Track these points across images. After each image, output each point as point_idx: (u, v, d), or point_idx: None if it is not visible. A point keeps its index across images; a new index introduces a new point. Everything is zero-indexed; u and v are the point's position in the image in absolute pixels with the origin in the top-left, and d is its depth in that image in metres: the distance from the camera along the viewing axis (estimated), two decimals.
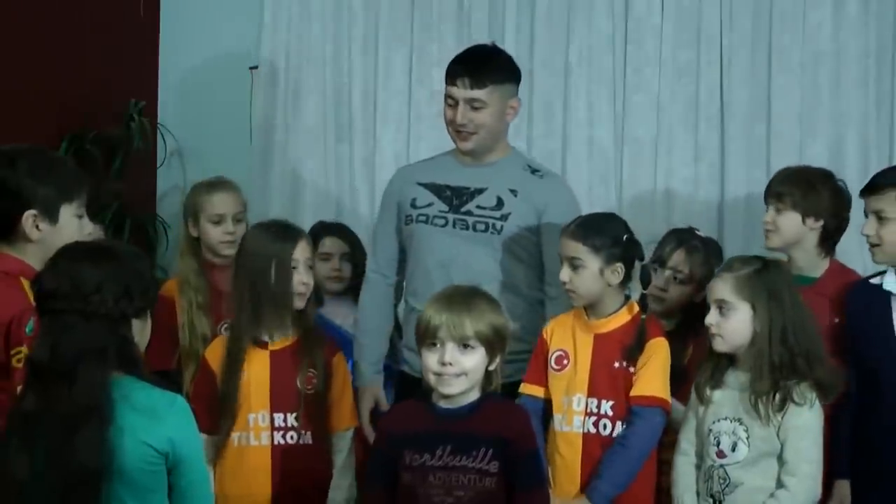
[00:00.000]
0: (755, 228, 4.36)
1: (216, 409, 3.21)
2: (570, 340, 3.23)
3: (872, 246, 3.33)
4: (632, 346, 3.15)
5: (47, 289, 2.46)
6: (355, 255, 4.02)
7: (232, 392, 3.20)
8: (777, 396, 3.02)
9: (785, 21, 4.42)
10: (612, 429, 3.15)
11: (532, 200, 3.46)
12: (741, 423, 3.07)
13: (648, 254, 3.42)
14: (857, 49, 4.39)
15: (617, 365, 3.17)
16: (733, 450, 3.05)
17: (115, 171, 4.73)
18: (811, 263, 3.50)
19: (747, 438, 3.05)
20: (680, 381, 3.24)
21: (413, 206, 3.52)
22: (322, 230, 4.15)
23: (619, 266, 3.17)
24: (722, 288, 3.10)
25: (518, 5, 4.61)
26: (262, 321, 3.23)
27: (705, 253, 3.63)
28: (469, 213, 3.46)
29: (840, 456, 3.26)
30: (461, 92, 3.42)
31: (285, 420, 3.20)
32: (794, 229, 3.46)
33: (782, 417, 3.02)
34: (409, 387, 3.37)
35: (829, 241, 3.51)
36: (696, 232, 3.74)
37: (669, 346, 3.24)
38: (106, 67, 4.76)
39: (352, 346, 3.63)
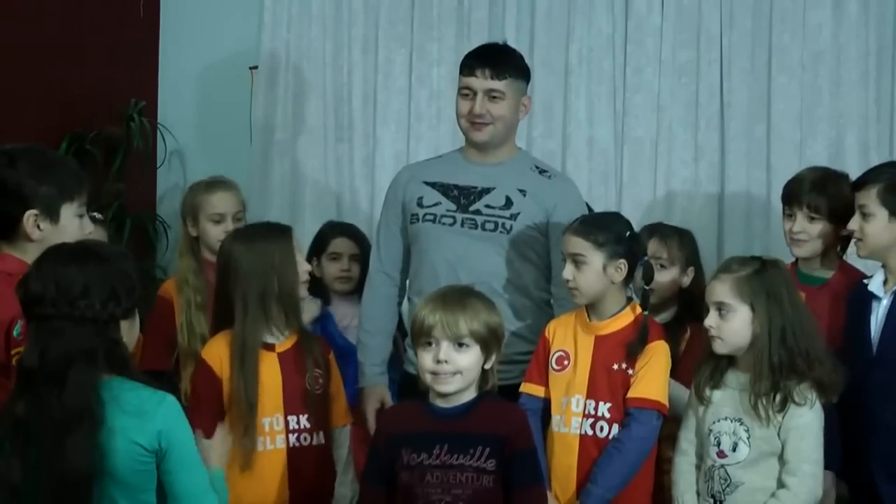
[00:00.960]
0: (755, 228, 4.39)
1: (218, 413, 3.17)
2: (571, 341, 3.22)
3: (857, 241, 3.34)
4: (633, 343, 3.14)
5: (33, 293, 2.45)
6: (364, 255, 4.01)
7: (252, 401, 3.12)
8: (777, 397, 3.01)
9: (785, 21, 4.42)
10: (609, 431, 3.14)
11: (541, 201, 3.45)
12: (741, 423, 3.06)
13: None
14: (857, 49, 4.39)
15: (616, 367, 3.16)
16: (734, 450, 3.04)
17: (115, 171, 4.74)
18: (828, 266, 3.51)
19: (748, 438, 3.04)
20: (674, 364, 3.24)
21: (419, 205, 3.50)
22: (331, 230, 4.15)
23: (622, 263, 3.17)
24: (721, 290, 3.09)
25: (518, 5, 4.62)
26: (270, 323, 3.22)
27: (679, 237, 3.69)
28: (478, 212, 3.45)
29: (826, 447, 3.23)
30: (480, 82, 3.42)
31: (299, 422, 3.18)
32: (827, 238, 3.46)
33: (783, 418, 3.01)
34: (413, 386, 3.37)
35: (847, 244, 3.52)
36: (665, 223, 3.83)
37: (667, 335, 3.25)
38: (106, 67, 4.77)
39: (354, 355, 3.63)
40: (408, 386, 3.49)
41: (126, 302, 2.51)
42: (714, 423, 3.09)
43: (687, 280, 3.66)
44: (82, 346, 2.42)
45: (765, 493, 3.03)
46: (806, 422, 3.02)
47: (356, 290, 3.96)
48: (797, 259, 3.53)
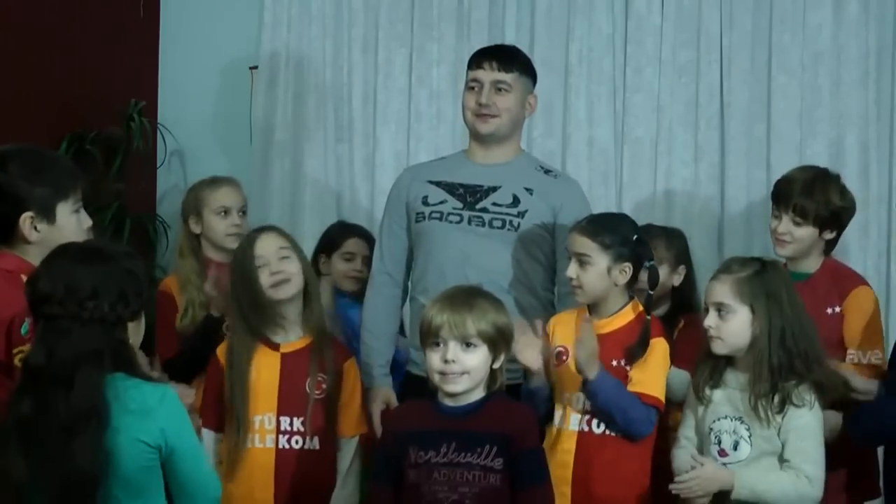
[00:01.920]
0: (755, 228, 4.39)
1: (221, 407, 3.22)
2: (571, 338, 3.21)
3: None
4: (634, 346, 3.14)
5: (42, 293, 2.46)
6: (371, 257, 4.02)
7: (237, 395, 3.19)
8: (776, 398, 3.02)
9: (785, 21, 4.43)
10: (606, 426, 3.14)
11: (548, 199, 3.45)
12: (742, 422, 3.06)
13: None
14: (857, 49, 4.39)
15: (615, 363, 3.16)
16: (735, 448, 3.04)
17: (115, 171, 4.72)
18: (813, 262, 3.54)
19: (749, 437, 3.04)
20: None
21: (425, 203, 3.50)
22: (345, 230, 4.14)
23: (627, 266, 3.17)
24: (720, 290, 3.09)
25: (518, 5, 4.62)
26: (252, 323, 3.23)
27: (665, 237, 3.72)
28: (485, 209, 3.45)
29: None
30: (488, 74, 3.44)
31: (291, 424, 3.18)
32: (811, 240, 3.50)
33: (782, 419, 3.01)
34: (416, 386, 3.37)
35: (834, 242, 3.56)
36: (653, 224, 3.85)
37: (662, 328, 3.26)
38: (106, 67, 4.76)
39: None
40: (410, 386, 3.49)
41: (134, 304, 2.51)
42: (714, 421, 3.10)
43: (678, 279, 3.68)
44: (90, 347, 2.43)
45: None
46: (805, 423, 3.02)
47: (362, 291, 3.97)
48: (791, 260, 3.54)
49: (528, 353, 3.09)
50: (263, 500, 3.17)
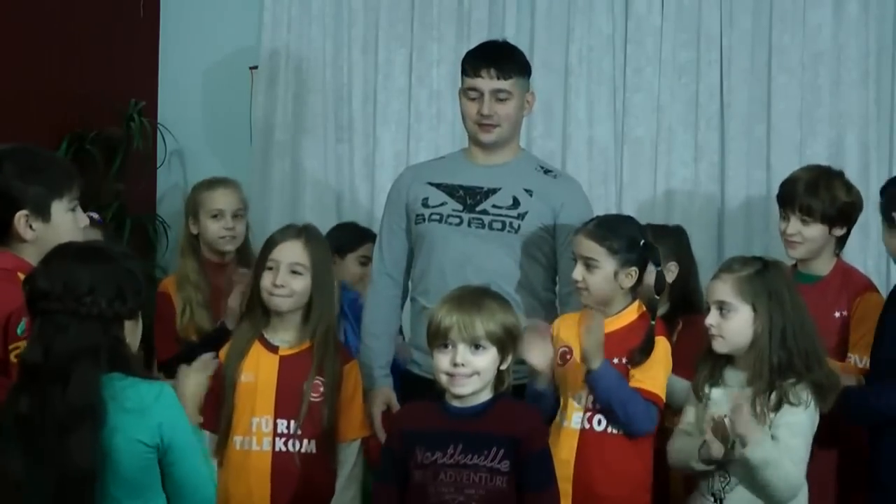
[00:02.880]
0: (755, 228, 4.39)
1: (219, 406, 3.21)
2: (574, 339, 3.21)
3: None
4: (638, 350, 3.13)
5: (40, 289, 2.46)
6: None
7: (226, 394, 3.19)
8: (773, 396, 3.02)
9: (785, 21, 4.43)
10: (607, 424, 3.14)
11: (548, 200, 3.44)
12: None
13: None
14: (857, 49, 4.40)
15: (616, 361, 3.15)
16: (733, 447, 3.00)
17: (114, 171, 4.73)
18: (824, 264, 3.53)
19: None
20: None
21: (424, 205, 3.49)
22: (362, 234, 4.14)
23: (634, 270, 3.17)
24: (722, 289, 3.09)
25: (518, 5, 4.62)
26: (252, 321, 3.23)
27: (653, 233, 3.52)
28: (485, 211, 3.44)
29: None
30: (487, 83, 3.41)
31: (288, 427, 3.17)
32: (822, 239, 3.50)
33: (776, 416, 3.01)
34: (417, 386, 3.37)
35: (842, 240, 3.56)
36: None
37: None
38: (106, 67, 4.77)
39: None
40: (411, 386, 3.49)
41: (132, 302, 2.51)
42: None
43: (669, 276, 3.56)
44: (87, 344, 2.43)
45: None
46: (798, 420, 3.02)
47: None
48: (803, 262, 3.54)
49: (537, 354, 3.09)
50: (260, 502, 3.16)
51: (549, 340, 3.12)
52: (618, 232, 3.17)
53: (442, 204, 3.48)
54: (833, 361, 3.25)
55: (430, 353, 2.88)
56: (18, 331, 2.69)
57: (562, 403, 3.20)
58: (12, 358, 2.67)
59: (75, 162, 4.37)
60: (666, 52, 4.51)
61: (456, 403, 2.85)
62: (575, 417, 3.16)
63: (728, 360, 3.13)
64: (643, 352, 3.12)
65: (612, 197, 4.53)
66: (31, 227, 2.83)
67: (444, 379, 2.82)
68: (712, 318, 3.09)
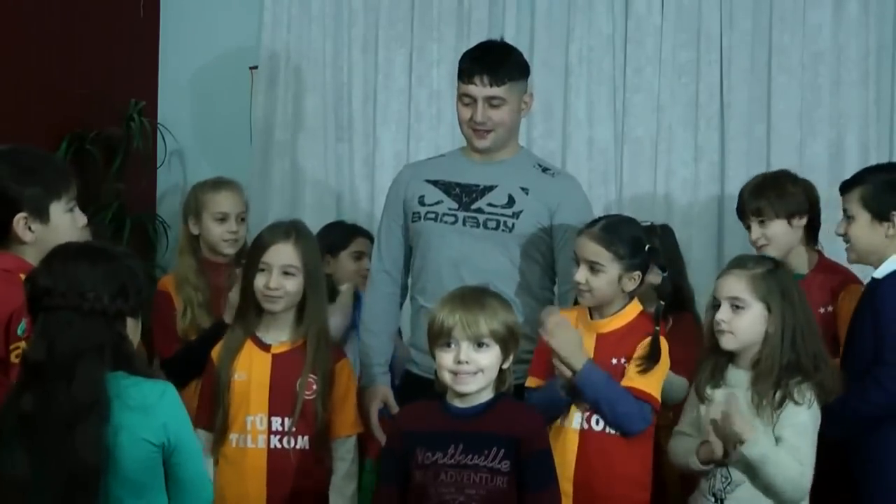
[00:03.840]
0: None
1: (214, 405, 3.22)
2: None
3: (846, 246, 3.43)
4: (645, 357, 3.11)
5: (42, 287, 2.46)
6: None
7: (221, 392, 3.20)
8: (777, 395, 3.03)
9: (785, 21, 4.43)
10: (605, 424, 3.12)
11: (545, 199, 3.43)
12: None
13: None
14: (857, 49, 4.40)
15: (615, 361, 3.15)
16: (735, 448, 3.01)
17: (114, 171, 4.73)
18: (801, 260, 3.60)
19: None
20: None
21: (421, 203, 3.49)
22: (351, 230, 4.13)
23: (637, 274, 3.17)
24: (736, 285, 3.10)
25: (518, 5, 4.62)
26: (245, 320, 3.24)
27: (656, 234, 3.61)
28: (479, 210, 3.43)
29: None
30: (480, 90, 3.40)
31: (283, 424, 3.17)
32: (784, 235, 3.58)
33: (780, 415, 3.02)
34: (415, 386, 3.37)
35: (813, 234, 3.64)
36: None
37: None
38: (106, 67, 4.77)
39: None
40: (409, 385, 3.49)
41: (133, 299, 2.52)
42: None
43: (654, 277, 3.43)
44: (91, 340, 2.43)
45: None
46: (802, 421, 3.03)
47: None
48: None
49: (560, 336, 3.08)
50: (257, 499, 3.16)
51: (570, 326, 3.12)
52: (623, 237, 3.17)
53: (438, 202, 3.48)
54: (834, 361, 3.26)
55: (431, 353, 2.89)
56: (19, 331, 2.69)
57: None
58: (13, 358, 2.67)
59: (75, 162, 4.40)
60: (666, 51, 4.51)
61: (457, 403, 2.85)
62: (575, 418, 3.15)
63: (730, 359, 3.13)
64: (652, 358, 3.11)
65: (612, 196, 4.54)
66: (30, 228, 2.83)
67: (447, 377, 2.82)
68: (724, 314, 3.09)
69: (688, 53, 4.50)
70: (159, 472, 2.51)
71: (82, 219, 2.95)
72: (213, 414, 3.20)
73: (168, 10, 5.03)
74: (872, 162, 4.32)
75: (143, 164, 4.87)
